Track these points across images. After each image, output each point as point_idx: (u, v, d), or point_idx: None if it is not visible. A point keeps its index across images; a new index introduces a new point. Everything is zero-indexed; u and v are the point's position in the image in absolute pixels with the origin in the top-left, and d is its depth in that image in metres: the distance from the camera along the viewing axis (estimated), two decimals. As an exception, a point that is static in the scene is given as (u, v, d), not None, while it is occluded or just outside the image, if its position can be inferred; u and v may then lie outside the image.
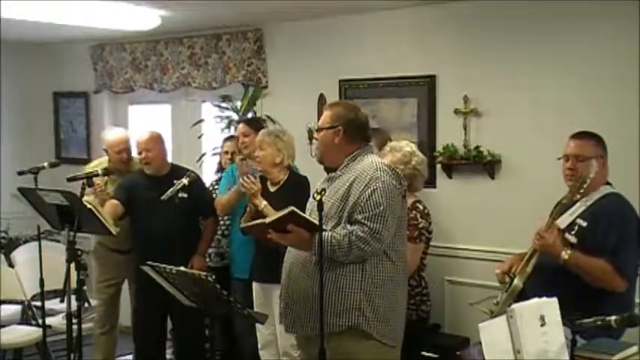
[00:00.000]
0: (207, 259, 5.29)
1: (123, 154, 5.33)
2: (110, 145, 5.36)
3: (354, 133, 3.51)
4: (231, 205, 4.95)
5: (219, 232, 5.32)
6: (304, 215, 3.27)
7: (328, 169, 3.57)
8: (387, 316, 3.41)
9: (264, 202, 4.35)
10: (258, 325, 4.64)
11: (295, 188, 4.50)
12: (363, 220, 3.30)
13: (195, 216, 5.16)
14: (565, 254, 3.39)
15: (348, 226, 3.32)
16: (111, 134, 5.51)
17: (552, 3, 4.57)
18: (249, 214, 4.44)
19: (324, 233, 3.24)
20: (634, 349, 3.07)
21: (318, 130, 3.56)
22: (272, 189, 4.59)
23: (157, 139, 5.17)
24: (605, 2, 4.41)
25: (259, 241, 4.38)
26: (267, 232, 3.42)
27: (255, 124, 5.18)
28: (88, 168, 5.36)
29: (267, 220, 3.43)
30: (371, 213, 3.30)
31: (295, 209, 3.26)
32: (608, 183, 3.63)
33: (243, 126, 5.13)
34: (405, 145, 4.39)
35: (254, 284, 4.70)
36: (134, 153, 5.34)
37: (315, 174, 4.20)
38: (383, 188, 3.33)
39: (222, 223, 5.30)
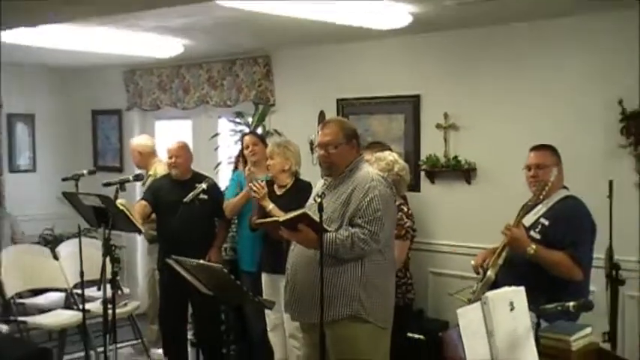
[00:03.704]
0: (223, 253, 5.29)
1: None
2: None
3: (357, 146, 3.55)
4: (237, 208, 4.94)
5: (234, 230, 5.32)
6: (314, 217, 3.24)
7: (329, 174, 3.55)
8: (381, 303, 3.43)
9: (272, 205, 4.35)
10: (267, 311, 4.63)
11: (299, 192, 4.50)
12: (363, 224, 3.31)
13: (211, 216, 5.15)
14: (531, 248, 3.40)
15: (350, 228, 3.33)
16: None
17: (523, 30, 4.60)
18: (259, 214, 4.44)
19: (329, 234, 3.27)
20: (588, 329, 3.09)
21: (336, 146, 3.45)
22: (278, 192, 4.58)
23: (184, 148, 5.20)
24: (571, 29, 4.44)
25: (267, 237, 4.38)
26: (279, 228, 3.42)
27: (261, 136, 5.21)
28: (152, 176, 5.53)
29: (281, 218, 3.43)
30: (370, 217, 3.31)
31: (307, 212, 3.26)
32: (565, 187, 3.64)
33: (251, 137, 5.11)
34: (388, 155, 4.39)
35: (263, 275, 4.69)
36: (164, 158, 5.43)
37: (315, 179, 4.21)
38: (380, 196, 3.34)
39: (235, 222, 5.31)
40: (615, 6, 4.14)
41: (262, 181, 4.57)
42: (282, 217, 3.47)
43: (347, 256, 3.32)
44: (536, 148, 3.68)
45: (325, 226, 3.24)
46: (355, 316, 3.36)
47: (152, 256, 5.62)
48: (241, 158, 5.23)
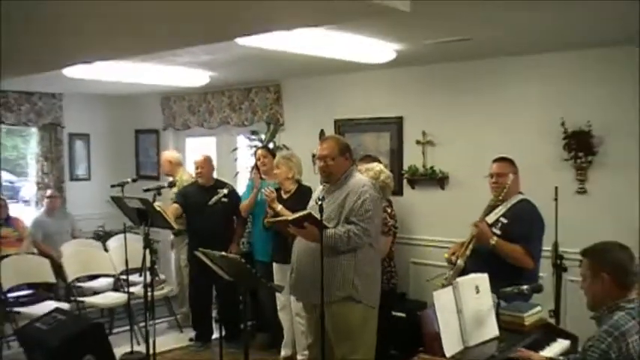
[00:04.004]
0: (241, 246, 5.29)
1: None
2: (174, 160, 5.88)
3: (350, 158, 3.55)
4: (249, 208, 4.93)
5: (250, 227, 5.32)
6: (316, 217, 3.25)
7: (327, 181, 3.55)
8: (370, 287, 3.43)
9: (280, 206, 4.36)
10: (277, 294, 4.64)
11: (301, 195, 4.51)
12: (357, 222, 3.31)
13: (231, 215, 5.15)
14: (493, 240, 3.41)
15: (346, 225, 3.33)
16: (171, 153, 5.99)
17: (487, 65, 4.61)
18: (270, 215, 4.45)
19: (329, 230, 3.29)
20: (538, 308, 3.13)
21: (333, 158, 3.46)
22: (284, 196, 4.58)
23: (207, 160, 5.22)
24: (525, 65, 4.46)
25: (278, 234, 4.38)
26: (288, 226, 3.43)
27: (270, 150, 5.22)
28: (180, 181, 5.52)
29: (290, 217, 3.43)
30: (363, 216, 3.32)
31: (312, 212, 3.26)
32: (520, 192, 3.65)
33: (262, 151, 5.13)
34: (376, 166, 4.36)
35: (274, 264, 4.68)
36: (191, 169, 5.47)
37: (316, 185, 4.21)
38: (370, 199, 3.35)
39: (250, 220, 5.30)
40: (559, 49, 4.20)
41: (272, 187, 4.57)
42: (290, 216, 3.47)
43: (344, 248, 3.32)
44: (497, 160, 3.69)
45: (326, 223, 3.25)
46: (350, 297, 3.36)
47: (178, 247, 5.65)
48: (256, 168, 5.24)
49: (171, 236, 5.80)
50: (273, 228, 4.07)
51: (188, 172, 5.66)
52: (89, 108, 7.36)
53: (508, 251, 3.40)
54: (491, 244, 3.40)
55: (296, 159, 4.71)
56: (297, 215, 3.37)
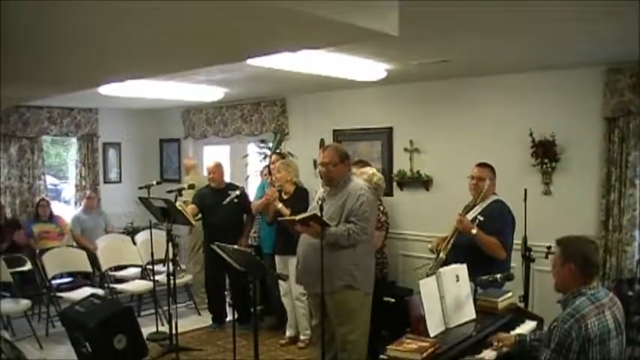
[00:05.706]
0: (251, 240, 5.28)
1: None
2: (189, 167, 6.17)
3: (349, 164, 3.54)
4: (259, 208, 4.89)
5: (259, 223, 5.32)
6: (321, 217, 3.25)
7: (329, 185, 3.53)
8: (366, 277, 3.43)
9: (280, 204, 4.37)
10: (280, 281, 4.64)
11: (299, 196, 4.52)
12: (356, 221, 3.31)
13: (241, 214, 5.14)
14: (474, 230, 3.41)
15: (346, 224, 3.33)
16: (189, 161, 6.23)
17: (465, 83, 4.61)
18: (273, 214, 4.45)
19: (332, 228, 3.29)
20: (509, 294, 3.14)
21: (334, 164, 3.43)
22: (285, 197, 4.57)
23: (218, 166, 5.21)
24: (499, 83, 4.46)
25: (279, 228, 4.38)
26: (296, 224, 3.42)
27: (282, 156, 5.23)
28: (185, 181, 5.58)
29: (297, 217, 3.41)
30: (361, 217, 3.32)
31: (317, 213, 3.24)
32: (494, 194, 3.65)
33: (275, 156, 5.13)
34: (369, 169, 4.34)
35: (276, 256, 4.66)
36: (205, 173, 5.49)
37: (317, 187, 4.21)
38: (367, 201, 3.36)
39: (258, 218, 5.29)
40: (528, 70, 4.21)
41: (278, 187, 4.58)
42: (298, 216, 3.46)
43: (344, 244, 3.32)
44: (478, 165, 3.68)
45: (329, 222, 3.27)
46: (350, 286, 3.36)
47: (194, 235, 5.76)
48: (268, 171, 5.25)
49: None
50: (282, 223, 4.07)
51: (199, 174, 5.78)
52: (121, 120, 7.37)
53: (485, 241, 3.40)
54: (472, 234, 3.41)
55: (294, 164, 4.73)
56: (304, 215, 3.37)
